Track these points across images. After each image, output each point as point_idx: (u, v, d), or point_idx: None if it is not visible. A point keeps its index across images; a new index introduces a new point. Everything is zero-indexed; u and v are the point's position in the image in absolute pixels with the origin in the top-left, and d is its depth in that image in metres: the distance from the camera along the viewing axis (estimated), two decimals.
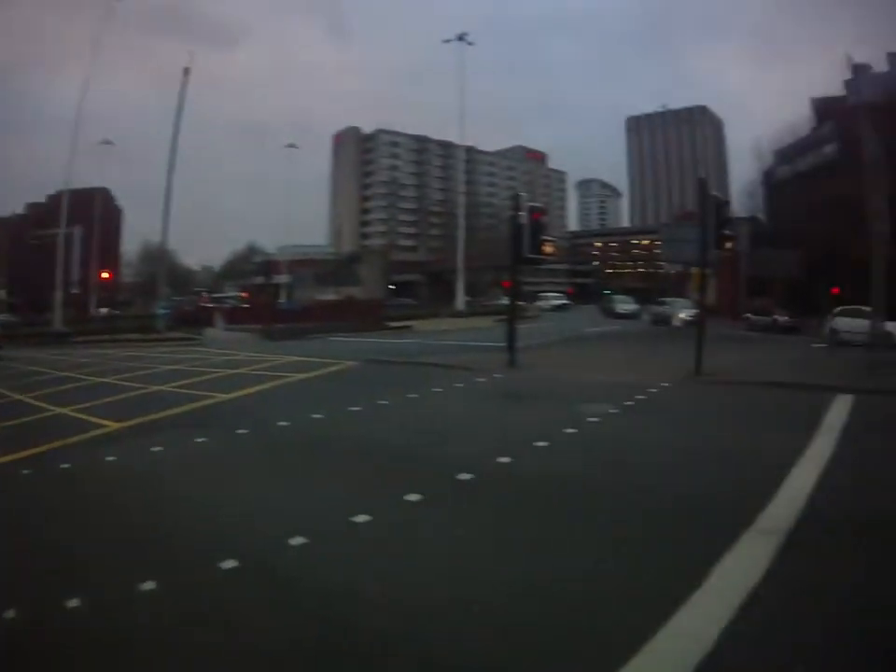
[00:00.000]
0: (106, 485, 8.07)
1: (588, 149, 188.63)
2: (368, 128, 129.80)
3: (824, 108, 48.46)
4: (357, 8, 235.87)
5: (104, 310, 70.86)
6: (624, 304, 57.40)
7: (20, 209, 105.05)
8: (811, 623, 3.92)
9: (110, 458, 9.18)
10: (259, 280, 79.77)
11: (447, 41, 57.74)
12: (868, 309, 19.47)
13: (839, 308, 27.65)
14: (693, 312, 31.20)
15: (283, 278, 75.95)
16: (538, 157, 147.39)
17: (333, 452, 9.25)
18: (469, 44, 58.25)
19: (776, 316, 35.79)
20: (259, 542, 5.72)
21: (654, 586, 4.51)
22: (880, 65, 40.10)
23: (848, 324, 24.98)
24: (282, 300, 64.39)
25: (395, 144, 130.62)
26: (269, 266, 54.60)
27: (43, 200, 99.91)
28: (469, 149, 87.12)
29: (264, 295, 54.87)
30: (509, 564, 5.05)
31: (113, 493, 7.69)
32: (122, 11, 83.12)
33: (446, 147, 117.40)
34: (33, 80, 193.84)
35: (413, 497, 6.58)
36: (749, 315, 39.08)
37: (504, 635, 3.96)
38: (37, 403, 14.42)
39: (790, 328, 34.03)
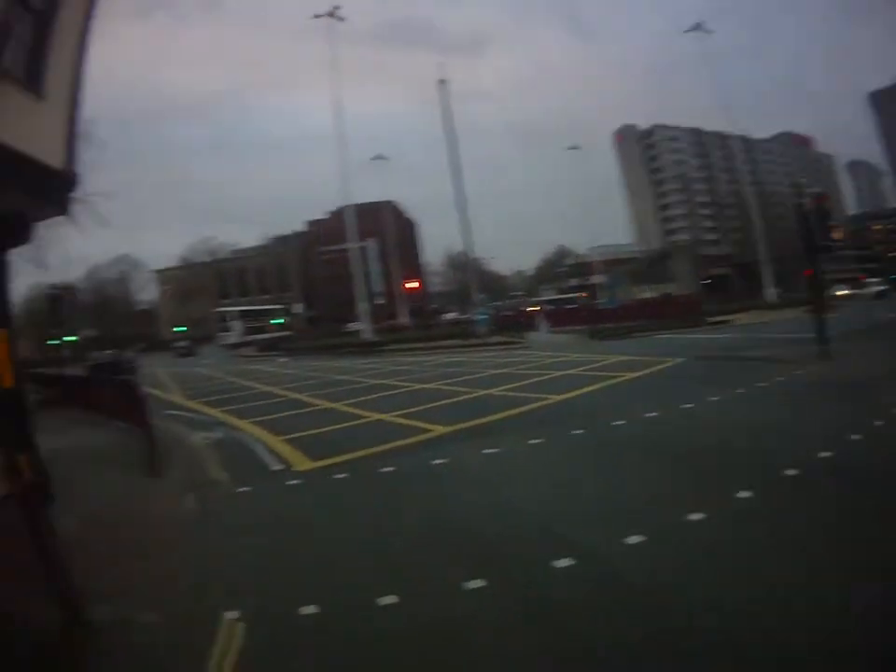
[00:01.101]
0: (432, 487, 8.44)
1: (829, 129, 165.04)
2: (641, 124, 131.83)
3: None
4: (593, 7, 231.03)
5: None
6: None
7: (298, 227, 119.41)
8: None
9: (438, 461, 9.49)
10: (574, 282, 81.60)
11: (687, 31, 58.87)
12: None
13: None
14: None
15: (598, 278, 76.85)
16: (804, 142, 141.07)
17: (668, 449, 9.15)
18: (708, 32, 59.00)
19: None
20: (595, 541, 5.81)
21: None
22: None
23: None
24: (601, 299, 64.85)
25: (674, 138, 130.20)
26: (582, 267, 55.57)
27: (323, 216, 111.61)
28: (743, 138, 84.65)
29: (585, 296, 55.74)
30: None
31: (437, 496, 7.99)
32: (355, 28, 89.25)
33: (722, 137, 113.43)
34: (291, 101, 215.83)
35: (744, 494, 6.55)
36: None
37: None
38: (354, 411, 15.22)
39: None
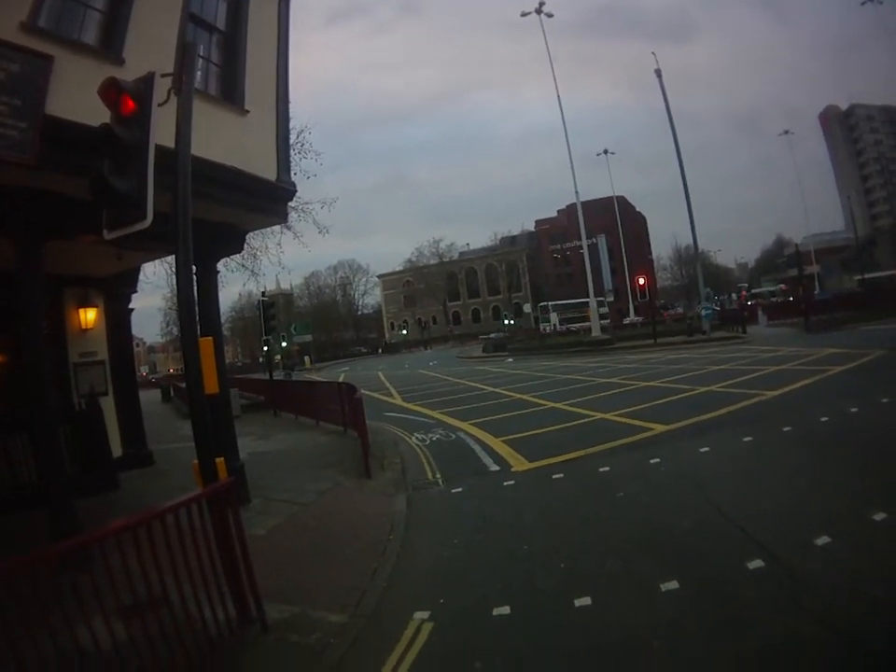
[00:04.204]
0: (644, 487, 8.44)
1: None
2: (843, 104, 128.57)
3: None
4: None
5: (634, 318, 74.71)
6: None
7: (528, 226, 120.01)
8: None
9: (654, 461, 9.64)
10: (793, 272, 77.27)
11: (863, 3, 52.97)
12: None
13: None
14: None
15: (814, 268, 72.67)
16: None
17: (864, 446, 8.97)
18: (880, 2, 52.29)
19: None
20: (786, 541, 5.88)
21: None
22: None
23: None
24: (815, 290, 61.21)
25: (870, 117, 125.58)
26: (799, 257, 51.84)
27: (552, 214, 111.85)
28: None
29: (800, 287, 52.16)
30: None
31: (646, 495, 8.07)
32: (564, 22, 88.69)
33: None
34: (508, 99, 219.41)
35: None
36: None
37: None
38: (577, 410, 15.38)
39: None
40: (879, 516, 6.03)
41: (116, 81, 5.44)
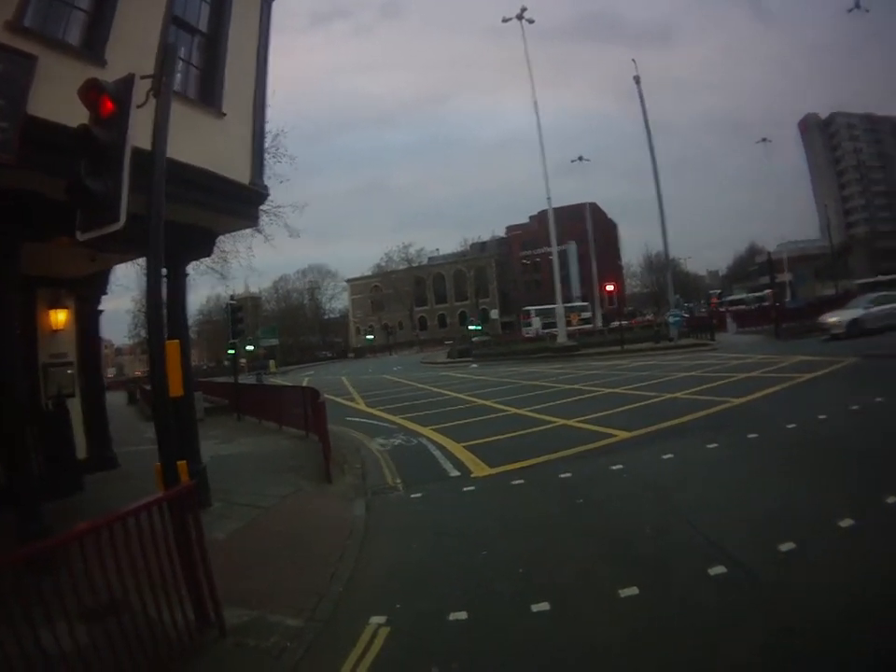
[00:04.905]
0: (606, 493, 8.51)
1: None
2: (823, 112, 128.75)
3: None
4: None
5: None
6: None
7: (499, 232, 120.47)
8: None
9: (615, 467, 9.56)
10: (765, 280, 78.72)
11: (850, 10, 56.79)
12: None
13: None
14: None
15: (786, 276, 74.18)
16: None
17: (832, 453, 9.12)
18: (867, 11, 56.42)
19: None
20: (750, 548, 5.92)
21: None
22: None
23: None
24: (787, 298, 62.29)
25: (851, 126, 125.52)
26: (771, 265, 52.68)
27: (524, 221, 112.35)
28: None
29: (772, 295, 53.00)
30: None
31: (607, 501, 8.15)
32: (543, 28, 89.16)
33: (893, 122, 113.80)
34: (485, 105, 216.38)
35: (892, 500, 6.57)
36: None
37: None
38: (539, 416, 15.42)
39: None
40: (845, 523, 6.10)
41: (97, 82, 5.41)
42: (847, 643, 4.12)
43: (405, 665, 4.59)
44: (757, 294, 70.73)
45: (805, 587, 4.98)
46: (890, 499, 6.56)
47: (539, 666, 4.37)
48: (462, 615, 5.15)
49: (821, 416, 11.35)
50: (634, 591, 5.24)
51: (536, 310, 77.15)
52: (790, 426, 10.98)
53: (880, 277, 60.59)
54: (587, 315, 75.35)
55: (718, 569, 5.46)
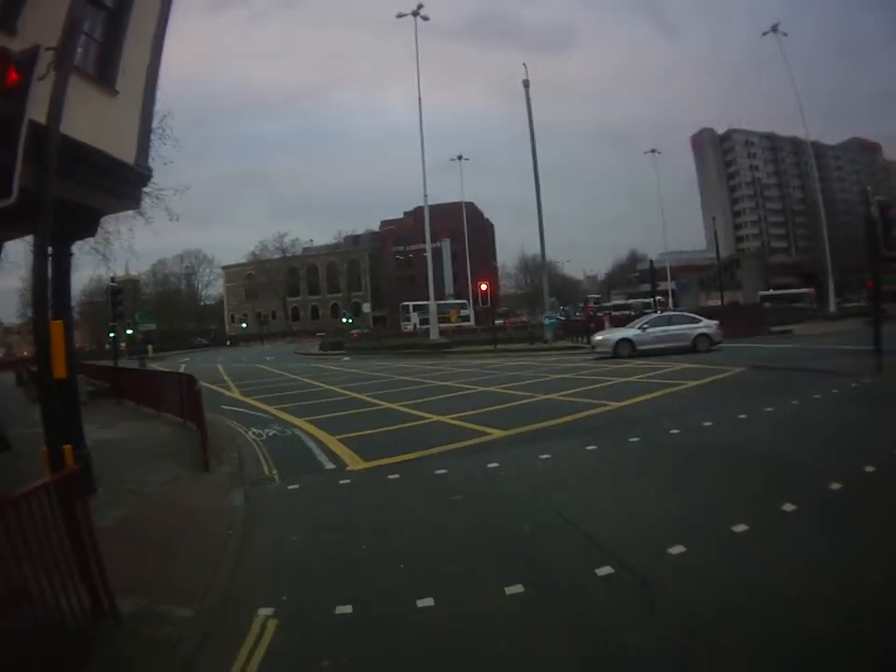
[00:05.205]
0: (482, 490, 8.58)
1: None
2: (718, 128, 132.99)
3: None
4: (679, 3, 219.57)
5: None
6: None
7: (374, 226, 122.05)
8: None
9: (492, 465, 9.61)
10: (646, 287, 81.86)
11: (765, 33, 57.69)
12: None
13: None
14: None
15: (668, 285, 77.16)
16: (873, 148, 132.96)
17: (718, 460, 9.22)
18: (784, 35, 57.69)
19: None
20: (638, 550, 5.92)
21: None
22: None
23: None
24: (670, 306, 65.20)
25: (749, 143, 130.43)
26: (653, 272, 54.89)
27: (399, 216, 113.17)
28: (815, 144, 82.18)
29: (654, 302, 55.19)
30: None
31: (485, 498, 8.19)
32: (437, 26, 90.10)
33: (794, 143, 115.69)
34: (370, 100, 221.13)
35: (788, 507, 6.70)
36: None
37: None
38: (413, 412, 15.53)
39: None
40: (739, 528, 6.18)
41: (5, 51, 5.16)
42: (739, 642, 4.26)
43: (297, 657, 4.59)
44: (644, 301, 73.39)
45: (695, 588, 5.07)
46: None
47: (428, 660, 4.43)
48: (348, 609, 5.15)
49: (707, 423, 11.49)
50: (519, 588, 5.28)
51: (414, 305, 77.68)
52: (674, 430, 11.18)
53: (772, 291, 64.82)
54: (466, 312, 76.38)
55: (605, 570, 5.49)
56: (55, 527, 4.58)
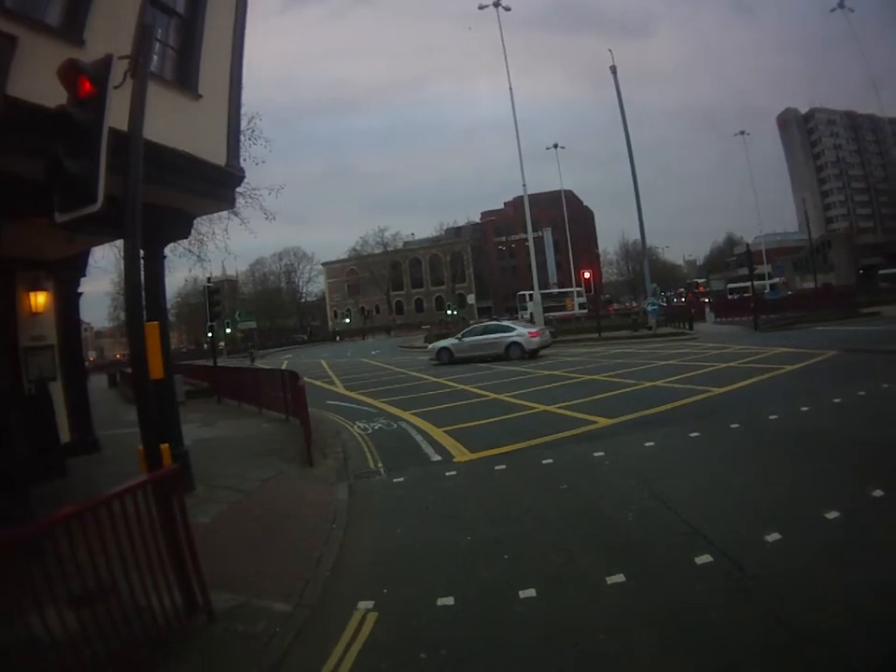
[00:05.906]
0: (588, 479, 8.49)
1: None
2: (802, 107, 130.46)
3: None
4: None
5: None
6: None
7: (474, 217, 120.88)
8: None
9: (598, 454, 9.52)
10: (743, 272, 79.62)
11: (832, 10, 53.41)
12: None
13: None
14: None
15: (765, 268, 75.03)
16: None
17: (814, 445, 9.04)
18: (851, 10, 52.73)
19: None
20: (735, 537, 5.89)
21: None
22: None
23: None
24: (766, 290, 63.13)
25: (831, 122, 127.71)
26: (750, 256, 53.14)
27: (498, 206, 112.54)
28: (892, 120, 75.04)
29: (751, 286, 53.38)
30: None
31: (590, 488, 8.09)
32: (520, 14, 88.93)
33: (872, 120, 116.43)
34: (461, 91, 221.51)
35: (878, 493, 6.53)
36: None
37: None
38: (518, 402, 15.46)
39: None
40: (831, 514, 6.08)
41: (75, 63, 5.27)
42: (832, 634, 4.12)
43: (395, 649, 4.55)
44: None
45: (791, 577, 4.96)
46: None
47: (524, 652, 4.34)
48: (449, 600, 5.14)
49: (804, 408, 11.29)
50: (621, 578, 5.24)
51: (530, 294, 77.81)
52: (772, 416, 10.92)
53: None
54: (581, 300, 75.60)
55: (704, 558, 5.46)
56: (151, 524, 4.64)
